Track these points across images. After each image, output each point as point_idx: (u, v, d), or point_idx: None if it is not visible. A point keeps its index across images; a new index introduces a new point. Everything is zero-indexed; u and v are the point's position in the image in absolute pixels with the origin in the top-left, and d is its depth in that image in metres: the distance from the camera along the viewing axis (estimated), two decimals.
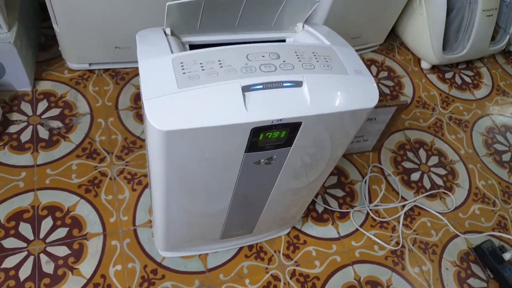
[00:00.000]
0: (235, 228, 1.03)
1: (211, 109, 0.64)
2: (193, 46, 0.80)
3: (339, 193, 1.32)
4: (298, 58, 0.71)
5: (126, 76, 1.41)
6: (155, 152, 0.69)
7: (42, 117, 1.27)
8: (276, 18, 0.80)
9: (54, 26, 1.27)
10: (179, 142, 0.65)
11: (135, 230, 1.13)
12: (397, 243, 1.25)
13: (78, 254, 1.07)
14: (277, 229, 1.16)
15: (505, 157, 1.55)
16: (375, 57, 1.74)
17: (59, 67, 1.39)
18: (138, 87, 1.40)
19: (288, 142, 0.73)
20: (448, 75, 1.75)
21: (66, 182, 1.17)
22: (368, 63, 1.69)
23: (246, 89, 0.65)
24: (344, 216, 1.27)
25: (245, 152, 0.72)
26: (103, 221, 1.13)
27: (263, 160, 0.76)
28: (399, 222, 1.29)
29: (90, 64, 1.38)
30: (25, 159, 1.19)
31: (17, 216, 1.09)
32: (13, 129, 1.23)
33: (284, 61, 0.69)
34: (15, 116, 1.26)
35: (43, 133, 1.24)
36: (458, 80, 1.74)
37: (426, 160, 1.46)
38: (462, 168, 1.47)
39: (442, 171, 1.45)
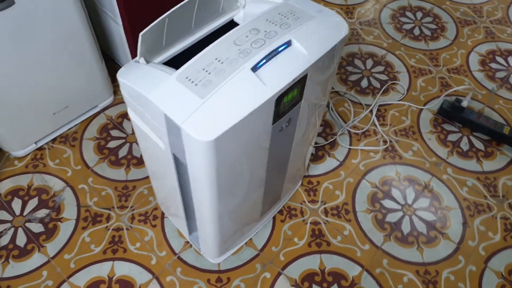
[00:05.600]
0: (270, 200, 1.10)
1: (239, 100, 0.69)
2: (166, 64, 0.82)
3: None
4: (273, 23, 0.77)
5: (76, 135, 1.36)
6: (204, 165, 0.72)
7: (24, 214, 1.20)
8: (223, 1, 0.85)
9: None
10: (224, 145, 0.70)
11: (179, 258, 1.15)
12: (384, 141, 1.41)
13: None
14: (294, 185, 1.25)
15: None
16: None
17: (5, 162, 1.30)
18: (94, 139, 1.35)
19: (300, 97, 0.81)
20: None
21: (90, 256, 1.13)
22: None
23: (254, 69, 0.71)
24: (333, 146, 1.39)
25: (272, 124, 0.78)
26: (146, 267, 1.13)
27: (284, 124, 0.83)
28: (376, 125, 1.45)
29: (36, 143, 1.31)
30: (36, 260, 1.12)
31: None
32: (3, 241, 1.15)
33: (265, 31, 0.76)
34: None
35: (37, 228, 1.17)
36: None
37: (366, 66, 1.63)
38: (393, 57, 1.66)
39: (380, 69, 1.62)
